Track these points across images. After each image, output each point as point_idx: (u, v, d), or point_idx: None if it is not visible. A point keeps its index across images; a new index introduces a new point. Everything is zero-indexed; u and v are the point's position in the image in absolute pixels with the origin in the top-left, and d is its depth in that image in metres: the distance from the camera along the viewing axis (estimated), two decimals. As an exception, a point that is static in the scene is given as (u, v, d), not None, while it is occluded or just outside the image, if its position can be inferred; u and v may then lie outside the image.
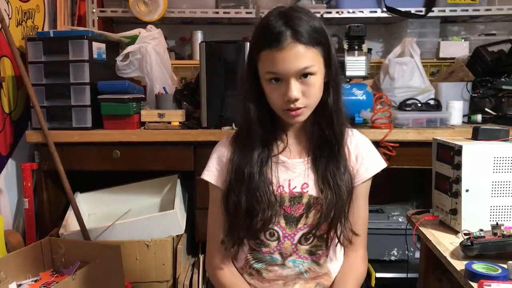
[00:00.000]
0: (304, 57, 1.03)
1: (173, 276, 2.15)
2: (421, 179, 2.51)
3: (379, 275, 2.33)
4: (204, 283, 2.16)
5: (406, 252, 2.31)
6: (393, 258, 2.38)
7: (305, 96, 1.06)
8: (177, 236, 2.17)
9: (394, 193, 2.57)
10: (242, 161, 1.14)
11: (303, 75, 1.05)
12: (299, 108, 1.07)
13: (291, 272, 1.19)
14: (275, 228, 1.16)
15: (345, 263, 1.23)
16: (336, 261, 1.23)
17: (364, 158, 1.19)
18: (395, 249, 2.34)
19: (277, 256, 1.18)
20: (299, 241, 1.17)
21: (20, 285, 1.67)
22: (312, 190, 1.16)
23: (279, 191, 1.16)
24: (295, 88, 1.04)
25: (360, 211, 1.21)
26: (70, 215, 2.16)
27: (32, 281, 1.70)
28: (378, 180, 2.10)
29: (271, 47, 1.03)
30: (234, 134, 1.21)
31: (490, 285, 0.94)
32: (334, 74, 1.11)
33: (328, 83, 1.11)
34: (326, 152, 1.14)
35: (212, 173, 1.21)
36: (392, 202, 2.58)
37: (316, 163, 1.15)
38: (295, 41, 1.03)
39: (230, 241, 1.18)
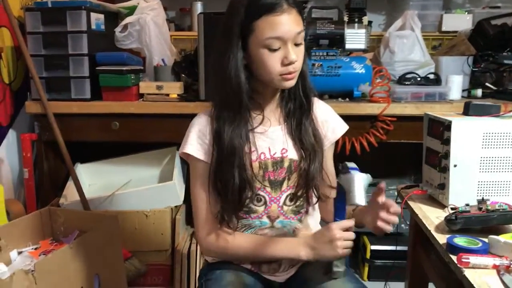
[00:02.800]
0: (298, 21, 1.12)
1: (172, 245, 2.20)
2: (419, 154, 2.52)
3: (374, 247, 2.38)
4: (199, 245, 2.20)
5: (396, 226, 2.34)
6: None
7: (298, 60, 1.14)
8: (176, 207, 2.21)
9: (392, 168, 2.59)
10: (234, 135, 1.16)
11: (296, 44, 1.12)
12: (294, 72, 1.13)
13: (280, 232, 1.25)
14: (261, 193, 1.22)
15: (325, 207, 1.32)
16: (313, 215, 1.31)
17: (329, 122, 1.29)
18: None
19: (265, 219, 1.23)
20: (284, 203, 1.23)
21: (20, 252, 1.71)
22: (291, 154, 1.22)
23: (261, 158, 1.21)
24: (293, 51, 1.11)
25: (329, 168, 1.31)
26: (70, 185, 2.20)
27: (32, 248, 1.75)
28: (375, 154, 2.14)
29: (272, 12, 1.09)
30: (215, 108, 1.20)
31: (468, 258, 0.96)
32: (305, 45, 1.19)
33: None
34: (298, 117, 1.23)
35: (194, 147, 1.21)
36: (391, 176, 2.60)
37: (291, 128, 1.23)
38: (290, 6, 1.10)
39: (222, 216, 1.21)
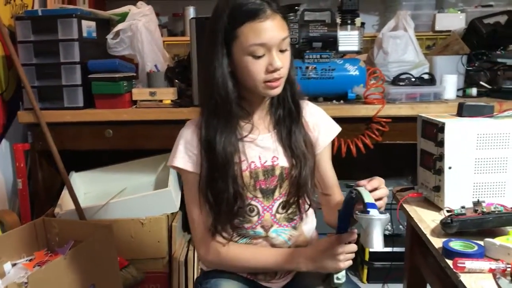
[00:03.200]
0: (283, 27, 1.11)
1: (169, 253, 2.18)
2: (416, 154, 2.51)
3: (372, 249, 2.36)
4: (199, 260, 2.19)
5: (393, 227, 2.35)
6: (387, 232, 2.40)
7: (283, 67, 1.12)
8: (172, 213, 2.20)
9: (389, 169, 2.57)
10: (226, 144, 1.14)
11: (281, 51, 1.10)
12: (279, 79, 1.12)
13: (276, 242, 1.22)
14: (254, 203, 1.20)
15: (330, 203, 1.28)
16: (307, 222, 1.28)
17: (321, 126, 1.27)
18: (389, 224, 2.36)
19: (259, 229, 1.21)
20: (277, 211, 1.22)
21: (14, 264, 1.70)
22: (282, 162, 1.21)
23: (252, 167, 1.19)
24: (279, 58, 1.10)
25: (328, 171, 1.29)
26: (65, 194, 2.18)
27: (26, 260, 1.73)
28: (372, 155, 2.13)
29: (255, 18, 1.07)
30: (203, 117, 1.16)
31: (464, 263, 0.95)
32: (291, 50, 1.17)
33: None
34: (288, 124, 1.20)
35: (183, 159, 1.18)
36: (387, 177, 2.57)
37: (281, 136, 1.21)
38: (274, 12, 1.09)
39: (216, 228, 1.18)
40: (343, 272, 1.13)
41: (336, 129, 1.30)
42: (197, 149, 1.17)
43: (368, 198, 1.00)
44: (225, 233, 1.20)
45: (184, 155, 1.19)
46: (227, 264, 1.22)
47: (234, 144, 1.15)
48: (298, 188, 1.19)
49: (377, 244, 0.96)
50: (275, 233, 1.22)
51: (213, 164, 1.15)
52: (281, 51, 1.11)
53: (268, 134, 1.22)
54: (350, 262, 1.11)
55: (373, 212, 0.97)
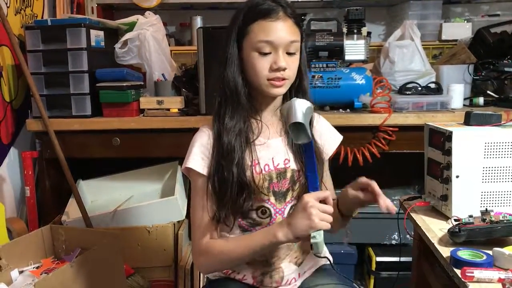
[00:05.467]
0: (293, 31, 1.15)
1: (175, 261, 2.18)
2: (423, 163, 2.51)
3: (379, 259, 2.35)
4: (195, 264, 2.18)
5: (400, 236, 2.33)
6: (393, 242, 2.39)
7: (289, 69, 1.15)
8: (178, 222, 2.20)
9: (395, 178, 2.56)
10: (232, 132, 1.16)
11: (288, 53, 1.14)
12: (283, 79, 1.15)
13: (283, 245, 1.21)
14: (266, 205, 1.21)
15: None
16: None
17: (325, 136, 1.30)
18: (396, 233, 2.35)
19: None
20: (288, 214, 1.22)
21: (21, 271, 1.70)
22: (293, 164, 1.22)
23: (265, 169, 1.20)
24: (283, 59, 1.13)
25: (328, 181, 1.34)
26: (72, 202, 2.19)
27: (33, 267, 1.73)
28: (379, 165, 2.12)
29: (266, 17, 1.12)
30: (214, 115, 1.21)
31: (472, 272, 0.94)
32: (304, 59, 1.23)
33: (300, 67, 1.21)
34: None
35: (196, 161, 1.19)
36: (394, 186, 2.58)
37: (291, 141, 1.22)
38: (286, 16, 1.14)
39: (219, 216, 1.18)
40: (320, 232, 1.05)
41: (339, 137, 1.34)
42: (210, 152, 1.19)
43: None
44: (228, 221, 1.19)
45: (198, 157, 1.20)
46: (216, 260, 1.19)
47: (242, 135, 1.17)
48: (305, 190, 1.18)
49: (298, 116, 1.03)
50: None
51: (219, 153, 1.17)
52: (289, 53, 1.15)
53: (279, 138, 1.24)
54: (326, 223, 1.04)
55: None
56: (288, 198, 1.22)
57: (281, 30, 1.12)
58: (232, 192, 1.15)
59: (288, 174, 1.22)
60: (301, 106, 1.05)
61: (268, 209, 1.21)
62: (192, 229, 1.24)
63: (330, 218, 1.06)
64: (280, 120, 1.25)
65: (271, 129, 1.24)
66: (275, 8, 1.13)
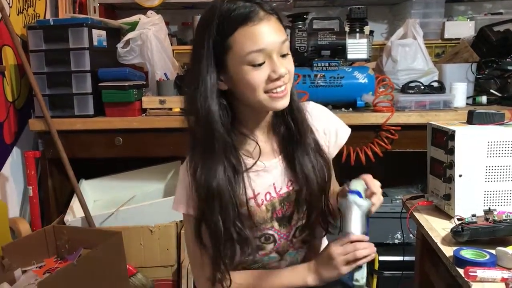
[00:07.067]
0: (280, 29, 0.99)
1: (178, 260, 2.18)
2: (426, 162, 2.50)
3: (382, 258, 2.34)
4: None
5: (403, 236, 2.32)
6: (396, 241, 2.38)
7: (288, 73, 1.00)
8: (181, 221, 2.19)
9: (399, 177, 2.55)
10: (208, 176, 0.99)
11: (282, 55, 0.99)
12: (285, 88, 0.99)
13: (287, 263, 1.17)
14: (270, 232, 1.11)
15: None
16: (322, 242, 1.23)
17: (331, 129, 1.17)
18: (399, 232, 2.34)
19: (274, 255, 1.14)
20: (293, 235, 1.13)
21: (25, 271, 1.71)
22: (295, 185, 1.11)
23: (267, 199, 1.09)
24: (281, 64, 0.98)
25: (334, 181, 1.23)
26: (75, 202, 2.19)
27: (36, 267, 1.74)
28: (381, 164, 2.12)
29: (247, 22, 0.94)
30: (188, 152, 1.04)
31: (475, 272, 0.94)
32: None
33: None
34: (294, 144, 1.08)
35: (180, 202, 1.09)
36: (397, 185, 2.57)
37: (289, 158, 1.09)
38: (267, 13, 0.97)
39: (219, 273, 1.06)
40: (362, 273, 1.02)
41: (347, 129, 1.20)
42: (192, 189, 1.03)
43: (354, 185, 1.00)
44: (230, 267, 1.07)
45: (181, 197, 1.08)
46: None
47: (228, 170, 1.00)
48: (315, 209, 1.10)
49: (354, 228, 0.98)
50: (290, 256, 1.16)
51: (200, 204, 1.02)
52: (283, 55, 0.99)
53: (276, 159, 1.10)
54: (351, 265, 1.00)
55: (352, 197, 0.98)
56: (294, 221, 1.11)
57: (269, 33, 0.95)
58: (225, 247, 1.02)
59: (292, 197, 1.10)
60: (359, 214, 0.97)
61: (272, 235, 1.11)
62: (192, 268, 1.16)
63: (355, 256, 1.00)
64: (274, 135, 1.10)
65: (267, 149, 1.09)
66: (252, 8, 0.95)
